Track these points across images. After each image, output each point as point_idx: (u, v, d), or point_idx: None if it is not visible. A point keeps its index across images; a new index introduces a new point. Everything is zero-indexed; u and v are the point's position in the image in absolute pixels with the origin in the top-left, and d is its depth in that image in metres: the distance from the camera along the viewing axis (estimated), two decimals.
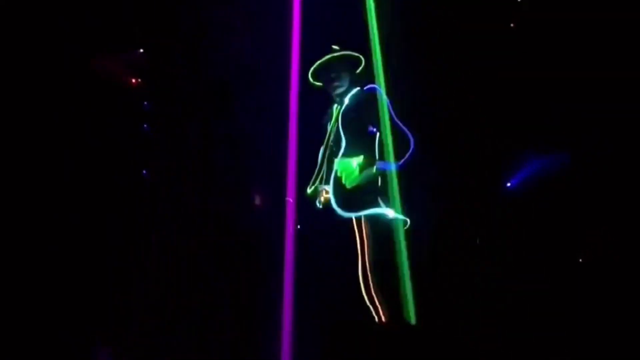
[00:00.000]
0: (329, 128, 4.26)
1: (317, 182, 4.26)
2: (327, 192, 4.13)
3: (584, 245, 6.01)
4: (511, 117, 5.97)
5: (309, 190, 4.28)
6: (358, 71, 4.26)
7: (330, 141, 4.21)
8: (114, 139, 5.75)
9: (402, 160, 4.00)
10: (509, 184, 6.20)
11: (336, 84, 4.19)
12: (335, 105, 4.25)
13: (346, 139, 4.06)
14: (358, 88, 4.23)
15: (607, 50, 5.65)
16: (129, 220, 5.64)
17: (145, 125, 5.85)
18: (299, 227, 4.47)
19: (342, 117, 4.13)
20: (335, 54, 4.20)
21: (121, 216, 5.64)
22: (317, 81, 4.32)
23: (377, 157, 4.05)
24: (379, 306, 3.96)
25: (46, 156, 5.45)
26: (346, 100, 4.19)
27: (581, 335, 5.21)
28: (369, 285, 3.97)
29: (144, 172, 5.82)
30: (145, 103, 5.90)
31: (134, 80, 5.90)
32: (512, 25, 5.86)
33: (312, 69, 4.27)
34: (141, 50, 5.84)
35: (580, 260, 5.94)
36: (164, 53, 5.84)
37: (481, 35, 5.76)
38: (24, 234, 5.21)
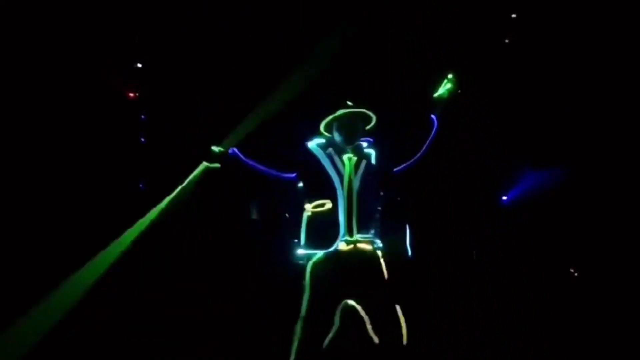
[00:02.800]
0: (342, 173, 4.14)
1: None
2: None
3: (583, 248, 6.10)
4: (509, 124, 6.05)
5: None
6: (368, 127, 4.31)
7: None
8: (112, 147, 5.78)
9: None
10: (504, 198, 6.29)
11: (353, 138, 4.23)
12: (348, 156, 4.19)
13: (366, 200, 4.10)
14: (373, 151, 4.31)
15: (605, 51, 5.70)
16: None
17: (142, 139, 5.92)
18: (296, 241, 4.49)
19: (364, 173, 4.15)
20: (356, 110, 4.24)
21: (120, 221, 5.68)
22: (328, 132, 4.32)
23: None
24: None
25: (46, 159, 5.48)
26: (365, 159, 4.21)
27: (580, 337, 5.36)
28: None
29: (141, 185, 5.90)
30: (143, 117, 5.96)
31: (132, 94, 5.95)
32: (506, 41, 5.92)
33: (327, 119, 4.27)
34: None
35: (574, 272, 6.05)
36: (163, 64, 5.86)
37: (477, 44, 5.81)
38: (24, 234, 5.25)
